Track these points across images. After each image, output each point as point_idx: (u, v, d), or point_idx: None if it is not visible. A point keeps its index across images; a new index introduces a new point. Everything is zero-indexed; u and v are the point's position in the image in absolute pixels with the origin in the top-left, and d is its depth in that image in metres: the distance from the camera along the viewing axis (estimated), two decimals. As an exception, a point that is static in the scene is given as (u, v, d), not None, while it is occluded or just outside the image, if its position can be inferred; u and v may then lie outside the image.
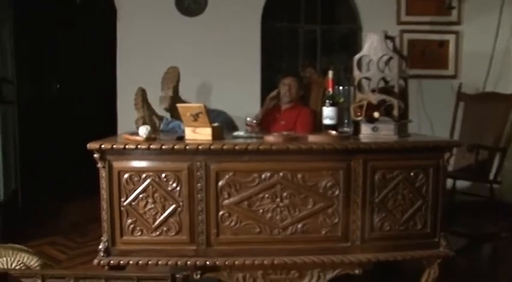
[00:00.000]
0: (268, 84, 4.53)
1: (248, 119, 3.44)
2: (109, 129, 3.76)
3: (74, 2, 5.48)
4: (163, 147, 2.52)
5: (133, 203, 2.58)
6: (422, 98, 4.79)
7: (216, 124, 2.71)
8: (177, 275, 1.88)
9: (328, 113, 2.86)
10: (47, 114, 6.72)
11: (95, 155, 2.55)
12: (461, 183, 4.50)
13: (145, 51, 4.58)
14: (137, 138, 2.58)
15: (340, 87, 3.11)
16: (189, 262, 2.57)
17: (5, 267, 2.16)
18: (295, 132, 3.25)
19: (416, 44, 4.79)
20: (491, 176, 4.09)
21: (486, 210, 4.14)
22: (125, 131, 3.40)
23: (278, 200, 2.60)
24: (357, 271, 2.68)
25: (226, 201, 2.59)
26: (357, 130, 2.92)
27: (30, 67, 6.01)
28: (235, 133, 3.01)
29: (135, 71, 4.53)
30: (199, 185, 2.57)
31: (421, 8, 4.71)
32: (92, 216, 4.23)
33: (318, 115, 3.50)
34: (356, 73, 2.92)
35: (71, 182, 5.77)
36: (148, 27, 4.59)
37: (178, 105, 2.70)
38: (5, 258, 2.32)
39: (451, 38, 4.81)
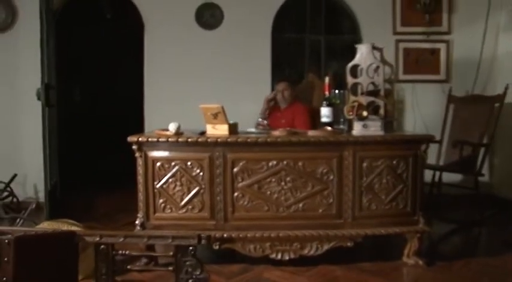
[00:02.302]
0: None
1: (259, 119, 3.99)
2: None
3: (105, 15, 6.06)
4: (189, 140, 3.09)
5: (164, 186, 3.14)
6: (416, 101, 5.24)
7: (231, 121, 3.26)
8: (202, 235, 2.42)
9: (325, 113, 3.39)
10: (72, 117, 7.18)
11: (133, 147, 3.12)
12: (456, 178, 4.95)
13: (169, 60, 5.08)
14: (167, 133, 3.15)
15: (337, 91, 3.62)
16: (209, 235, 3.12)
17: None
18: (295, 128, 3.78)
19: (411, 52, 5.21)
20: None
21: (475, 201, 4.59)
22: (149, 130, 3.93)
23: (283, 183, 3.14)
24: (349, 244, 3.19)
25: (240, 184, 3.14)
26: (350, 127, 3.42)
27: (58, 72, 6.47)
28: (248, 129, 3.55)
29: (160, 78, 5.06)
30: (218, 171, 3.12)
31: (415, 19, 5.11)
32: (119, 207, 4.84)
33: (316, 112, 3.98)
34: (349, 79, 3.40)
35: (98, 179, 6.32)
36: (172, 39, 5.09)
37: (200, 105, 3.24)
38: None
39: (442, 46, 5.22)
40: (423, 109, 5.23)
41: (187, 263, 2.40)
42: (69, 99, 7.29)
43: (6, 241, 1.90)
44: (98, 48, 7.15)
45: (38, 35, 4.32)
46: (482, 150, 4.56)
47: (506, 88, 4.49)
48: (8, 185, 4.57)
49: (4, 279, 1.87)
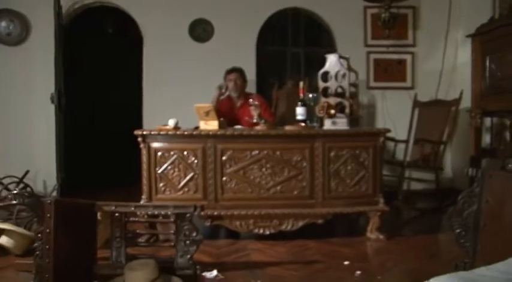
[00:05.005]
0: (262, 94, 5.52)
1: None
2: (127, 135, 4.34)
3: (106, 30, 6.65)
4: (185, 133, 3.68)
5: (164, 172, 3.71)
6: (386, 105, 5.89)
7: (221, 119, 3.86)
8: (196, 205, 3.00)
9: (300, 111, 3.99)
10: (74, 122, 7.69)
11: (139, 139, 3.70)
12: (425, 173, 5.56)
13: (165, 70, 5.67)
14: (167, 127, 3.74)
15: (310, 95, 4.21)
16: (202, 213, 3.68)
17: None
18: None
19: (380, 62, 5.87)
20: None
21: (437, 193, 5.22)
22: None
23: (264, 169, 3.72)
24: (320, 221, 3.78)
25: (228, 170, 3.72)
26: (321, 124, 4.02)
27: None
28: (236, 126, 4.16)
29: (158, 85, 5.65)
30: (209, 159, 3.70)
31: (383, 33, 5.72)
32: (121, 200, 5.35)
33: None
34: (320, 83, 4.02)
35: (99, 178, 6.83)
36: (168, 50, 5.68)
37: (194, 105, 3.83)
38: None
39: (408, 57, 5.90)
40: (392, 113, 5.88)
41: (185, 227, 2.98)
42: (72, 106, 7.82)
43: (48, 201, 2.49)
44: (100, 60, 7.68)
45: (49, 48, 4.93)
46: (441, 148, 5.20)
47: (461, 93, 5.14)
48: (21, 180, 5.11)
49: (47, 230, 2.45)
